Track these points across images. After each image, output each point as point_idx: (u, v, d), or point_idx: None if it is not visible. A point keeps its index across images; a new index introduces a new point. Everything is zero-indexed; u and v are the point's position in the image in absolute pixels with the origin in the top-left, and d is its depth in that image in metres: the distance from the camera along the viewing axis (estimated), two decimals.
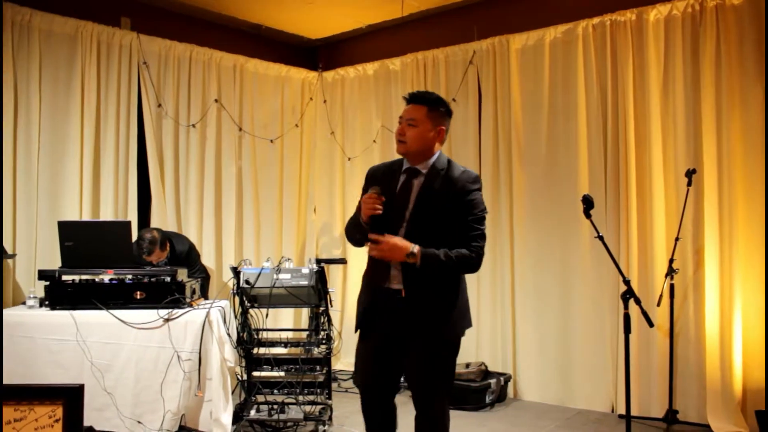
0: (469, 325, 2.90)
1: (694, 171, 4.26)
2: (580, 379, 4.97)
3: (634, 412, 4.57)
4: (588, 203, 3.24)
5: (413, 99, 2.80)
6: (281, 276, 4.38)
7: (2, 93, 4.54)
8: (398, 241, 2.65)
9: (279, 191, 6.34)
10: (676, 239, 4.30)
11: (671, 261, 4.29)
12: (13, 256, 4.57)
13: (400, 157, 2.89)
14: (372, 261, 2.84)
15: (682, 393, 4.52)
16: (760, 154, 4.28)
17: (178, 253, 4.99)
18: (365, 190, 2.86)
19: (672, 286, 4.31)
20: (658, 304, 4.35)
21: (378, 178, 2.84)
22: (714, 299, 4.40)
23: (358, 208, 2.80)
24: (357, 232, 2.81)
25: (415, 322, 2.72)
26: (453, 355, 2.84)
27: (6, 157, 4.63)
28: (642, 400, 4.63)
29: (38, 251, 4.77)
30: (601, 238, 3.31)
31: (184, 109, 5.70)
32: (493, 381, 4.97)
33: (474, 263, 2.72)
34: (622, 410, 4.58)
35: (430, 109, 2.77)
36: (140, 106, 5.41)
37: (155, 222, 5.44)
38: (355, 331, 2.89)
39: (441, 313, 2.77)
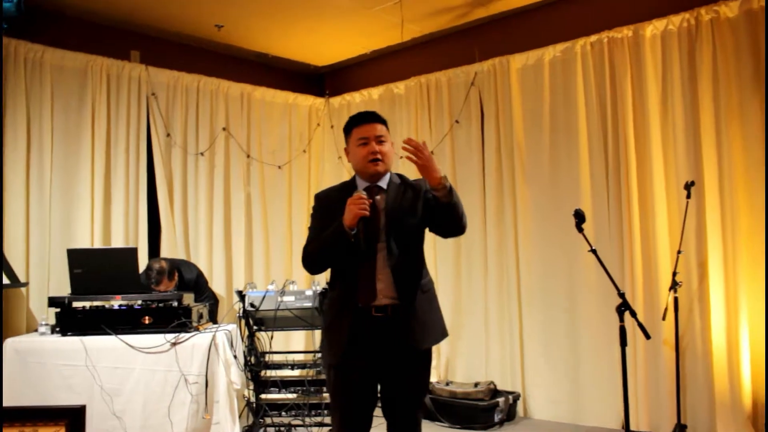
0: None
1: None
2: (590, 396, 4.93)
3: (643, 428, 4.57)
4: (579, 217, 3.25)
5: (376, 118, 2.73)
6: (285, 298, 4.44)
7: (3, 119, 4.64)
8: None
9: (288, 216, 6.44)
10: (678, 252, 4.29)
11: (674, 274, 4.28)
12: (24, 284, 4.68)
13: (342, 181, 2.85)
14: (352, 278, 2.65)
15: (692, 407, 4.48)
16: (760, 164, 4.27)
17: (187, 281, 5.06)
18: (318, 214, 2.77)
19: (676, 300, 4.29)
20: (663, 318, 4.33)
21: (335, 201, 2.67)
22: (720, 312, 4.38)
23: (315, 233, 2.72)
24: (336, 245, 2.60)
25: (408, 335, 2.61)
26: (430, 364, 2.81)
27: (19, 187, 4.78)
28: (652, 415, 4.59)
29: (51, 279, 4.88)
30: (594, 251, 3.32)
31: (193, 137, 5.83)
32: (501, 399, 4.95)
33: (464, 216, 2.67)
34: (632, 426, 4.54)
35: (386, 126, 2.75)
36: (149, 136, 5.55)
37: (165, 249, 5.54)
38: (335, 364, 2.65)
39: (433, 321, 2.71)
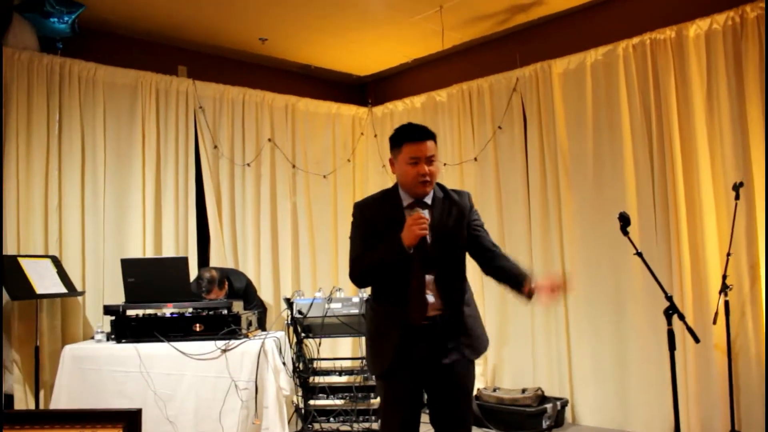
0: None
1: (741, 184, 4.17)
2: (639, 402, 4.86)
3: None
4: (624, 220, 3.23)
5: (428, 135, 2.68)
6: (332, 305, 4.51)
7: (2, 124, 4.74)
8: None
9: (333, 224, 6.52)
10: (728, 254, 4.21)
11: (724, 277, 4.20)
12: (81, 293, 4.85)
13: (381, 190, 2.86)
14: (401, 293, 2.65)
15: (747, 414, 4.37)
16: None
17: (236, 290, 5.16)
18: (360, 224, 2.77)
19: (727, 303, 4.20)
20: (714, 322, 4.25)
21: (377, 212, 2.75)
22: None
23: (361, 245, 2.72)
24: (394, 263, 2.62)
25: (463, 348, 2.69)
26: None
27: (74, 199, 4.97)
28: (703, 421, 4.50)
29: (106, 288, 5.06)
30: (640, 254, 3.29)
31: (239, 149, 5.97)
32: (549, 405, 4.92)
33: None
34: None
35: (435, 140, 2.72)
36: (197, 148, 5.71)
37: (214, 258, 5.67)
38: (381, 374, 2.72)
39: (481, 332, 2.79)
